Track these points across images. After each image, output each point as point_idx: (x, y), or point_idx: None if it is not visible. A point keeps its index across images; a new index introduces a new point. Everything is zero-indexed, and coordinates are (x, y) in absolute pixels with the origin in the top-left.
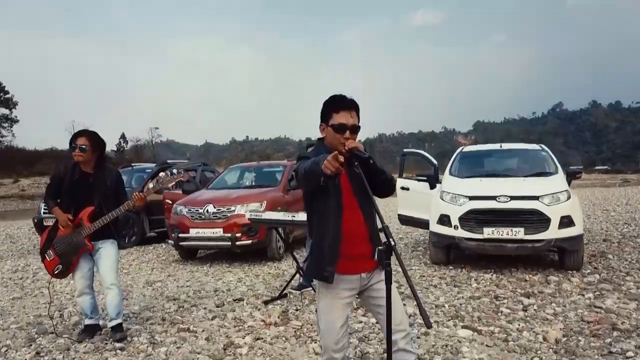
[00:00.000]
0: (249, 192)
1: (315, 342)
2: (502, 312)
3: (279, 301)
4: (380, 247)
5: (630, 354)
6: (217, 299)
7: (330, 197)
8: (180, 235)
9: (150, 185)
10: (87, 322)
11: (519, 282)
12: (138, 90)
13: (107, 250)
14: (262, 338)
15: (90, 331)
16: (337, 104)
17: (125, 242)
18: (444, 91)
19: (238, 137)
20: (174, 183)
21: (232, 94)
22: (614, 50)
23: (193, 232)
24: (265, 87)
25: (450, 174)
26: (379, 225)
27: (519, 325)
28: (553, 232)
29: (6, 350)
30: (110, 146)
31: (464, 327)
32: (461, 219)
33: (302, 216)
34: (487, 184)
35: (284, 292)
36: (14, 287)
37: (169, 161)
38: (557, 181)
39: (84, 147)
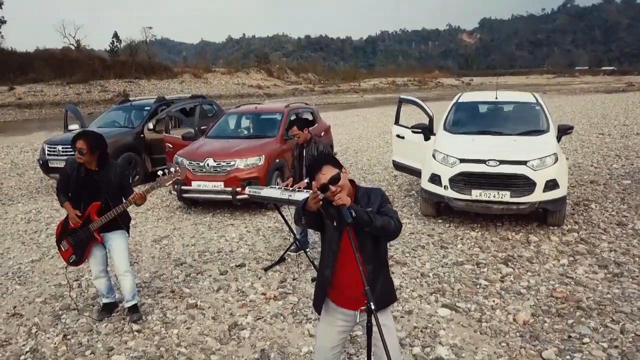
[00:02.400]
0: (248, 145)
1: (310, 323)
2: (480, 285)
3: (277, 267)
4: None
5: (586, 339)
6: (220, 263)
7: (330, 239)
8: (183, 187)
9: (151, 184)
10: (105, 300)
11: (502, 241)
12: None
13: (117, 241)
14: (262, 317)
15: (109, 309)
16: (310, 174)
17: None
18: None
19: (234, 34)
20: (171, 182)
21: None
22: None
23: (195, 184)
24: None
25: (445, 128)
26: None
27: (494, 302)
28: (538, 195)
29: (36, 331)
30: (103, 46)
31: (443, 305)
32: (451, 180)
33: (298, 195)
34: (479, 145)
35: (282, 256)
36: (31, 245)
37: (167, 97)
38: (547, 142)
39: (82, 150)
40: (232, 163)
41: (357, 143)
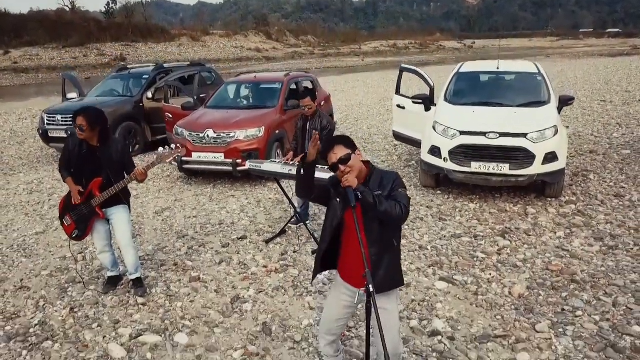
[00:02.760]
0: (248, 116)
1: (310, 296)
2: (477, 257)
3: (278, 239)
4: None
5: (579, 312)
6: (222, 236)
7: (332, 215)
8: (183, 159)
9: (151, 161)
10: (110, 274)
11: (500, 213)
12: None
13: (119, 217)
14: (264, 290)
15: (113, 282)
16: (322, 153)
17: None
18: None
19: None
20: (172, 158)
21: None
22: None
23: (195, 156)
24: None
25: (445, 99)
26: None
27: (490, 275)
28: (537, 168)
29: (44, 304)
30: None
31: (441, 278)
32: (451, 152)
33: None
34: (479, 116)
35: (283, 229)
36: (35, 217)
37: (165, 65)
38: (547, 114)
39: (82, 126)
40: (232, 134)
41: (357, 110)
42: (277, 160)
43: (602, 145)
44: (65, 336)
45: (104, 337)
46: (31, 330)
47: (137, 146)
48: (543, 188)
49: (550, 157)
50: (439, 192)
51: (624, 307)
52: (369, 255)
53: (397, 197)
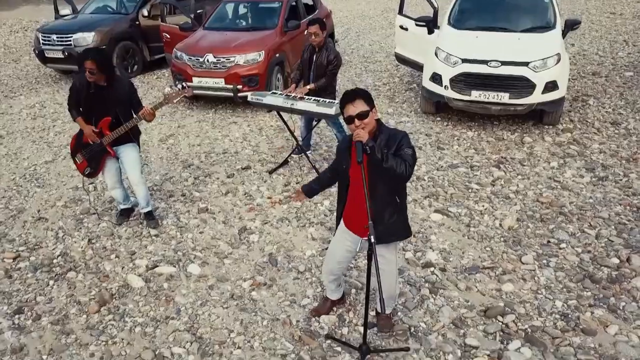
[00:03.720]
0: (247, 40)
1: (313, 227)
2: (472, 189)
3: (281, 170)
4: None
5: (563, 245)
6: (227, 165)
7: (345, 172)
8: (184, 83)
9: (159, 101)
10: (122, 207)
11: (497, 142)
12: None
13: (128, 154)
14: (269, 221)
15: (126, 214)
16: (343, 101)
17: (129, 72)
18: None
19: None
20: (178, 99)
21: None
22: None
23: (196, 80)
24: None
25: (449, 22)
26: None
27: (483, 207)
28: (536, 97)
29: (63, 235)
30: None
31: (436, 210)
32: (452, 80)
33: (301, 104)
34: (482, 43)
35: (286, 160)
36: (42, 145)
37: None
38: (551, 40)
39: (92, 70)
40: (231, 59)
41: (360, 23)
42: (279, 92)
43: (605, 66)
44: (87, 267)
45: (122, 268)
46: (54, 261)
47: (136, 67)
48: (541, 116)
49: (551, 86)
50: (438, 118)
51: (606, 239)
52: (372, 208)
53: (403, 156)
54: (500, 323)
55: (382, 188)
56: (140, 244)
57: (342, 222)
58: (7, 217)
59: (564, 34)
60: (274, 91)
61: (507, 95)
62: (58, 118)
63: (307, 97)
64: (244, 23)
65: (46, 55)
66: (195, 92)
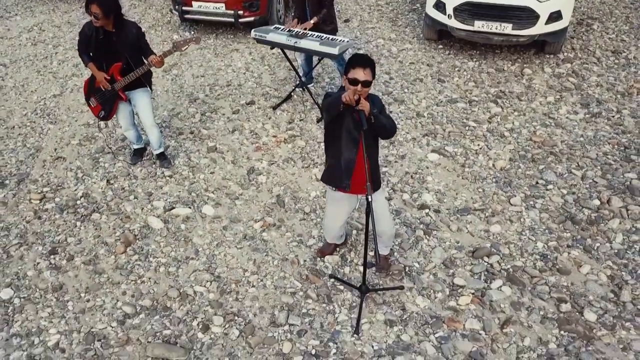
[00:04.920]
0: None
1: (317, 167)
2: (469, 126)
3: (284, 105)
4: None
5: (550, 186)
6: (231, 100)
7: (339, 131)
8: (184, 8)
9: (167, 48)
10: (135, 147)
11: (497, 73)
12: None
13: (141, 99)
14: (275, 161)
15: (140, 154)
16: (354, 61)
17: None
18: None
19: None
20: (187, 46)
21: None
22: None
23: (196, 5)
24: None
25: None
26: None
27: (478, 146)
28: (539, 28)
29: (82, 176)
30: None
31: (433, 150)
32: (455, 9)
33: (304, 43)
34: None
35: (289, 95)
36: (48, 76)
37: None
38: None
39: (97, 15)
40: None
41: None
42: (281, 28)
43: None
44: (109, 208)
45: (142, 209)
46: (78, 202)
47: None
48: (543, 45)
49: (555, 17)
50: (440, 46)
51: (590, 180)
52: (363, 164)
53: (388, 117)
54: (486, 263)
55: (372, 144)
56: (156, 184)
57: (336, 191)
58: (26, 155)
59: None
60: (277, 26)
61: (510, 25)
62: (59, 44)
63: (309, 32)
64: None
65: None
66: (196, 17)
